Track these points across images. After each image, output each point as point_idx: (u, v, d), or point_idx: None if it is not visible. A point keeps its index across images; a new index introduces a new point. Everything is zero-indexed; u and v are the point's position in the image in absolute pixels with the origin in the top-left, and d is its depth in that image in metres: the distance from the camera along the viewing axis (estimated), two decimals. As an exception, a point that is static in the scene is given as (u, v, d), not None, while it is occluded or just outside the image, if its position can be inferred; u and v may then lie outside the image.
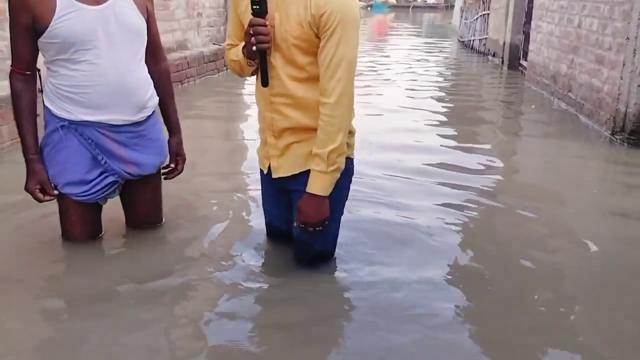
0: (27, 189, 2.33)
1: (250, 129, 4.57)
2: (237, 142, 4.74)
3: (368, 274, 2.36)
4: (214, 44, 8.10)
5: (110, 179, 2.40)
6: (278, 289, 2.25)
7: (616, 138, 4.67)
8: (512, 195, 3.45)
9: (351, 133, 2.18)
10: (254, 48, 1.97)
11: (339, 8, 1.90)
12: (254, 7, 1.94)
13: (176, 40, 6.92)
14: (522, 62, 8.55)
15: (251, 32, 1.95)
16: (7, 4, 2.16)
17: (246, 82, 6.56)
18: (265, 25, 1.95)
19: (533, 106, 6.35)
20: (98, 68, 2.20)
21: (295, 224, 2.19)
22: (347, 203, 2.35)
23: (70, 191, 2.35)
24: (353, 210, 2.87)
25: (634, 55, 4.48)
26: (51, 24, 2.12)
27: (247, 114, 5.65)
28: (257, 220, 2.78)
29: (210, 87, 7.12)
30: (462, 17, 14.94)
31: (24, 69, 2.23)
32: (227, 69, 8.18)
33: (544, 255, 2.64)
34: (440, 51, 12.79)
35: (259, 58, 2.03)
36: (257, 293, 2.22)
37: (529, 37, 7.94)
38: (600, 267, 2.58)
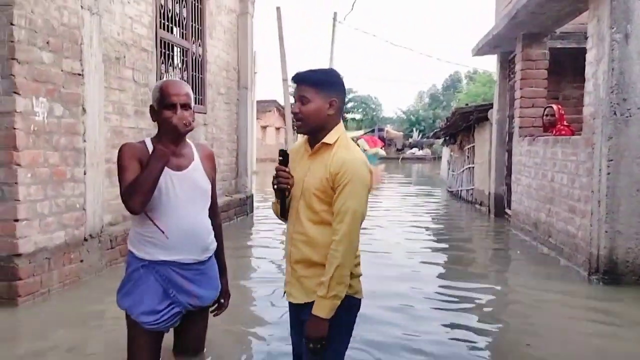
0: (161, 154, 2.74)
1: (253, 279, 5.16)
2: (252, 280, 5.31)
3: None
4: (225, 195, 8.91)
5: (176, 309, 2.95)
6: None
7: (592, 278, 5.28)
8: (506, 330, 3.99)
9: (356, 276, 2.61)
10: (276, 187, 2.63)
11: (350, 170, 2.48)
12: (279, 158, 2.63)
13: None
14: (507, 210, 9.35)
15: (275, 175, 2.62)
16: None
17: (252, 232, 7.23)
18: (285, 172, 2.60)
19: (518, 251, 7.01)
20: (175, 219, 2.83)
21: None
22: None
23: (144, 320, 2.89)
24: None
25: (599, 206, 5.22)
26: None
27: (253, 265, 6.26)
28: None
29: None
30: (449, 169, 16.12)
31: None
32: (237, 218, 8.98)
33: None
34: (432, 200, 13.76)
35: (280, 196, 2.66)
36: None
37: (511, 188, 8.82)
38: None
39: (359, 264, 2.64)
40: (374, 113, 61.56)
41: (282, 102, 32.52)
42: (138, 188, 2.71)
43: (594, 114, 5.37)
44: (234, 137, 9.46)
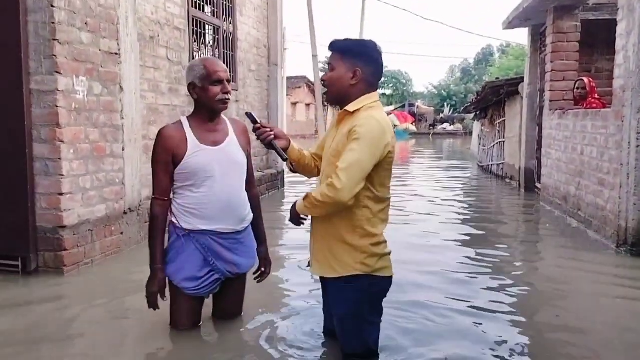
0: (149, 292, 3.05)
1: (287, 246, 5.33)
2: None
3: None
4: (257, 171, 9.10)
5: (215, 276, 3.14)
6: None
7: (620, 250, 5.32)
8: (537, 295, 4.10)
9: (376, 255, 2.67)
10: (265, 144, 2.83)
11: (365, 127, 2.54)
12: (250, 121, 2.88)
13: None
14: (537, 184, 9.35)
15: (257, 136, 2.83)
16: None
17: (283, 204, 7.41)
18: (260, 128, 2.81)
19: (548, 224, 7.04)
20: (213, 191, 3.02)
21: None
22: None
23: (186, 285, 3.09)
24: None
25: (628, 179, 5.24)
26: (184, 159, 2.99)
27: (286, 235, 6.45)
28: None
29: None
30: (479, 143, 16.05)
31: (163, 196, 3.05)
32: (268, 193, 9.18)
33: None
34: (462, 174, 13.77)
35: (273, 147, 2.83)
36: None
37: (541, 162, 8.81)
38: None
39: (378, 243, 2.70)
40: (405, 88, 61.14)
41: (312, 79, 32.69)
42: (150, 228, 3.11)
43: (624, 87, 5.35)
44: (265, 114, 9.61)
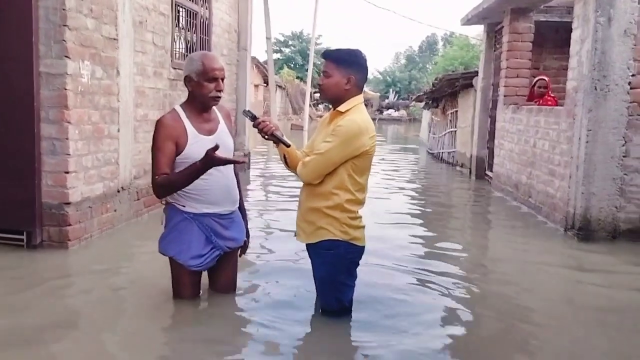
0: (217, 162, 3.08)
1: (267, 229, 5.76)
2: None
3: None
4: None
5: (216, 252, 3.50)
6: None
7: (568, 233, 6.00)
8: (488, 280, 4.69)
9: (353, 227, 3.17)
10: (267, 137, 3.20)
11: (344, 127, 3.07)
12: (249, 119, 3.22)
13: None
14: (488, 172, 10.06)
15: (258, 130, 3.20)
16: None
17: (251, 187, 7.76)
18: (261, 122, 3.16)
19: (501, 211, 7.73)
20: (213, 177, 3.29)
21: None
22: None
23: (192, 263, 3.40)
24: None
25: (577, 170, 5.90)
26: (185, 149, 3.25)
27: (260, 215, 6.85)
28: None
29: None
30: (429, 131, 16.78)
31: (163, 172, 3.21)
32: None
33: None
34: (412, 160, 14.46)
35: (276, 139, 3.21)
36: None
37: (492, 152, 9.50)
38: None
39: (355, 217, 3.23)
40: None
41: (261, 60, 32.67)
42: (172, 187, 3.24)
43: (577, 88, 6.00)
44: (233, 97, 9.89)
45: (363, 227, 3.30)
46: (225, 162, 3.10)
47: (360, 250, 3.31)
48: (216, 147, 3.02)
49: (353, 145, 3.09)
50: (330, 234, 3.19)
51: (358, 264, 3.36)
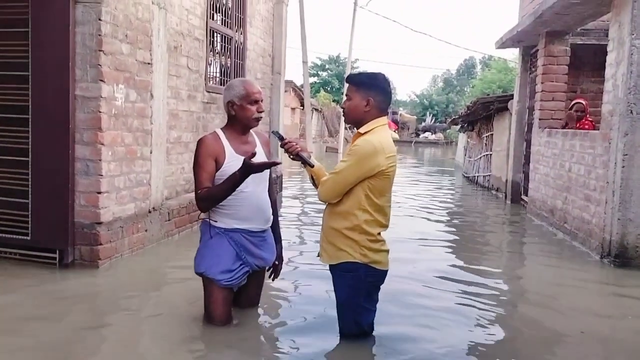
0: (255, 169, 3.21)
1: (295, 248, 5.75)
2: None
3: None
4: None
5: (245, 269, 3.56)
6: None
7: (604, 261, 5.83)
8: (525, 302, 4.58)
9: (374, 250, 3.19)
10: (292, 157, 3.25)
11: (359, 147, 3.12)
12: (277, 139, 3.32)
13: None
14: (524, 197, 9.88)
15: (285, 151, 3.25)
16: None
17: (284, 207, 7.79)
18: (287, 143, 3.23)
19: (537, 238, 7.57)
20: (245, 194, 3.44)
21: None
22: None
23: (221, 277, 3.46)
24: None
25: (614, 196, 5.75)
26: (223, 166, 3.41)
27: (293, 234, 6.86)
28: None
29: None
30: (465, 154, 16.62)
31: (205, 187, 3.38)
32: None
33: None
34: (448, 183, 14.33)
35: (302, 159, 3.26)
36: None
37: (528, 176, 9.34)
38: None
39: (375, 240, 3.21)
40: (388, 96, 61.67)
41: (298, 84, 33.04)
42: (214, 199, 3.37)
43: (612, 112, 5.87)
44: (266, 120, 9.99)
45: (386, 251, 3.28)
46: (262, 167, 3.26)
47: (381, 274, 3.29)
48: (253, 154, 3.20)
49: (368, 165, 3.11)
50: (350, 257, 3.19)
51: (379, 288, 3.34)
